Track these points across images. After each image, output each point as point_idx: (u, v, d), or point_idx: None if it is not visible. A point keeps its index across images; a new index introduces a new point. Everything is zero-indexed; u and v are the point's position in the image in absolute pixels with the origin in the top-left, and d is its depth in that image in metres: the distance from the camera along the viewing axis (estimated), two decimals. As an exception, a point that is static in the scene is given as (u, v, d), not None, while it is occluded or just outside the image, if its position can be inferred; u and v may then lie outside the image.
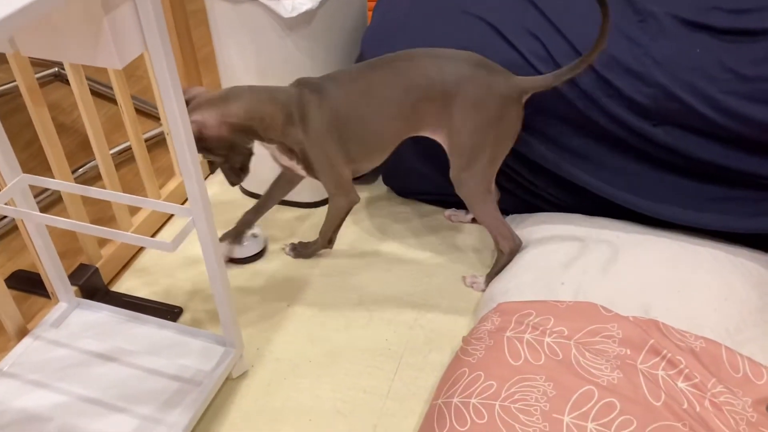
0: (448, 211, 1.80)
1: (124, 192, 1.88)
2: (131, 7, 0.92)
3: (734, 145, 1.41)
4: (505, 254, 1.53)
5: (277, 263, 1.69)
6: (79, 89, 1.43)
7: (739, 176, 1.44)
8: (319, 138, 1.41)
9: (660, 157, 1.47)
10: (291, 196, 1.70)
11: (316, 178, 1.49)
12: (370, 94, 1.40)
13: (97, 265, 1.58)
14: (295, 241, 1.71)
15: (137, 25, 0.94)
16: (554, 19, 1.46)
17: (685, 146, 1.43)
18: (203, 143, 1.37)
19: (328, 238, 1.63)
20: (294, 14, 1.49)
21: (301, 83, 1.43)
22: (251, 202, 1.85)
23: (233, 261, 1.69)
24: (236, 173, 1.47)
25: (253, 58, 1.60)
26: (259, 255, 1.71)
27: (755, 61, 1.36)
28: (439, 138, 1.45)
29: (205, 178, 1.97)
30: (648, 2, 1.45)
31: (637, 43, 1.42)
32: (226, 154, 1.41)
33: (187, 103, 1.31)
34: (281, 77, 1.62)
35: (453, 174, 1.45)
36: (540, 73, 1.44)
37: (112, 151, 2.01)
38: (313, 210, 1.85)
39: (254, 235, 1.69)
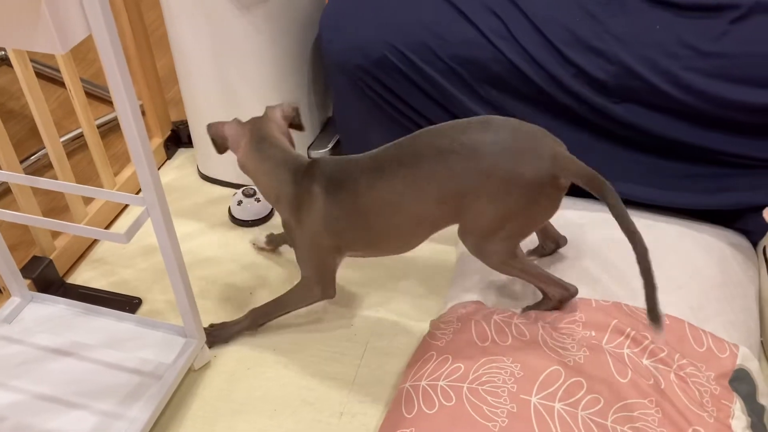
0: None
1: (78, 180, 1.83)
2: (71, -12, 0.87)
3: (695, 121, 1.41)
4: (554, 300, 1.31)
5: (239, 249, 1.65)
6: (23, 74, 1.37)
7: (701, 152, 1.45)
8: (311, 233, 1.28)
9: (622, 134, 1.47)
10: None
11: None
12: (377, 203, 1.21)
13: (51, 257, 1.53)
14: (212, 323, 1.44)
15: (79, 7, 0.90)
16: (513, -3, 1.44)
17: (646, 123, 1.43)
18: (220, 142, 1.34)
19: (264, 321, 1.41)
20: (249, -6, 1.45)
21: (316, 166, 1.27)
22: (209, 187, 1.82)
23: (238, 222, 1.71)
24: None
25: (208, 39, 1.55)
26: (267, 218, 1.72)
27: (714, 37, 1.36)
28: (458, 223, 1.25)
29: (163, 164, 1.92)
30: (608, -22, 1.43)
31: (598, 21, 1.40)
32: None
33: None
34: (237, 59, 1.58)
35: (464, 241, 1.25)
36: (501, 52, 1.42)
37: (64, 138, 1.95)
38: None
39: (258, 200, 1.70)
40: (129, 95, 0.98)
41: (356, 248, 1.32)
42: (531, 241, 1.42)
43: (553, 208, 1.21)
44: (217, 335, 1.41)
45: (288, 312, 1.42)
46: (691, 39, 1.37)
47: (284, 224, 1.37)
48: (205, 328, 1.38)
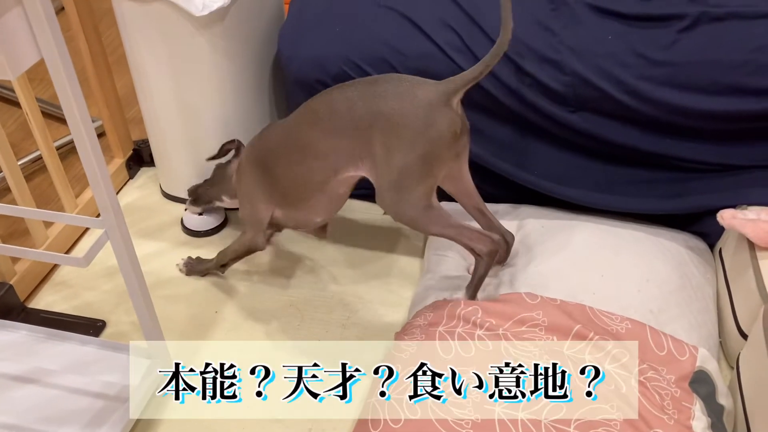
0: None
1: (39, 201, 1.81)
2: (20, 14, 0.87)
3: (648, 128, 1.44)
4: (484, 256, 1.32)
5: (203, 268, 1.65)
6: (-23, 98, 1.35)
7: (655, 158, 1.48)
8: (245, 170, 1.47)
9: (579, 143, 1.50)
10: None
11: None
12: (285, 136, 1.37)
13: (11, 282, 1.51)
14: (194, 256, 1.65)
15: (29, 32, 0.89)
16: (469, 10, 1.46)
17: (601, 131, 1.46)
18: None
19: (223, 263, 1.58)
20: (205, 12, 1.44)
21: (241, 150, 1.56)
22: (172, 206, 1.81)
23: (192, 233, 1.73)
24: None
25: (166, 58, 1.55)
26: (221, 227, 1.75)
27: (663, 46, 1.39)
28: (363, 171, 1.30)
29: (125, 184, 1.90)
30: (560, -10, 1.46)
31: (551, 32, 1.43)
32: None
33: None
34: (196, 77, 1.58)
35: (381, 199, 1.28)
36: (458, 65, 1.44)
37: (24, 160, 1.92)
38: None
39: (201, 214, 1.72)
40: (84, 119, 0.98)
41: (277, 199, 1.44)
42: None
43: (453, 131, 1.22)
44: (194, 267, 1.62)
45: (237, 257, 1.56)
46: (642, 48, 1.40)
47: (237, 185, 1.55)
48: (188, 257, 1.63)
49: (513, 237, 1.45)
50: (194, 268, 1.62)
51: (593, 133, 1.46)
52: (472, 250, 1.33)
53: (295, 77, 1.58)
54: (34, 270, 1.59)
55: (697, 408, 1.19)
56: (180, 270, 1.63)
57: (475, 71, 1.21)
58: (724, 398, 1.23)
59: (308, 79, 1.55)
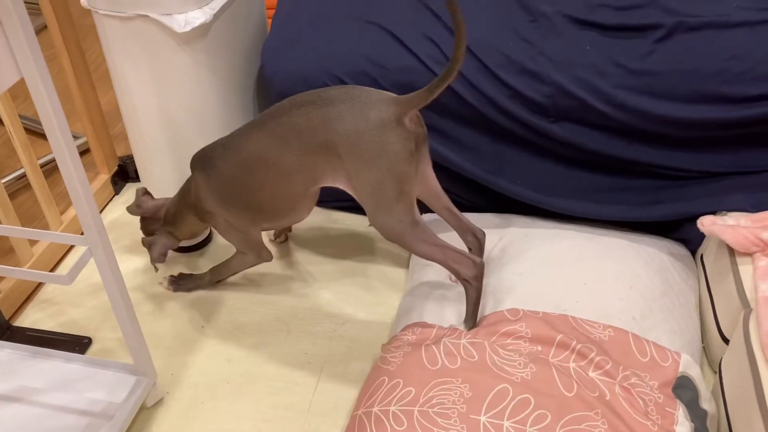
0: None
1: (24, 218, 1.81)
2: (-1, 34, 0.88)
3: (628, 136, 1.46)
4: (471, 281, 1.32)
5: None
6: (-40, 118, 1.35)
7: (636, 166, 1.50)
8: (215, 210, 1.45)
9: (560, 152, 1.51)
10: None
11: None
12: (251, 162, 1.34)
13: (-4, 301, 1.51)
14: (175, 273, 1.64)
15: (8, 51, 0.90)
16: (450, 23, 1.48)
17: (582, 140, 1.47)
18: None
19: (219, 279, 1.60)
20: (187, 29, 1.45)
21: (196, 160, 1.46)
22: (159, 223, 1.81)
23: (177, 249, 1.72)
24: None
25: (149, 75, 1.55)
26: (206, 242, 1.75)
27: (642, 56, 1.41)
28: (341, 185, 1.32)
29: (110, 200, 1.90)
30: (539, 2, 1.48)
31: (530, 43, 1.45)
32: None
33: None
34: (180, 93, 1.58)
35: (370, 220, 1.31)
36: (437, 76, 1.45)
37: (9, 177, 1.92)
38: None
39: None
40: (66, 140, 0.98)
41: (259, 218, 1.44)
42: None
43: (407, 148, 1.23)
44: (182, 284, 1.60)
45: (236, 273, 1.59)
46: (620, 58, 1.42)
47: (209, 220, 1.50)
48: (171, 277, 1.61)
49: (484, 234, 1.46)
50: (182, 285, 1.61)
51: (573, 142, 1.48)
52: (458, 274, 1.33)
53: (278, 91, 1.59)
54: (19, 288, 1.59)
55: (681, 413, 1.20)
56: (166, 288, 1.62)
57: (423, 94, 1.20)
58: (707, 403, 1.24)
59: (292, 94, 1.55)
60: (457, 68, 1.15)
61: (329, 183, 1.33)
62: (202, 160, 1.44)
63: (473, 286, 1.32)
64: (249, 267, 1.58)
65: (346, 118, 1.23)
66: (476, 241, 1.45)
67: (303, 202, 1.41)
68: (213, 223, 1.50)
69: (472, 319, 1.35)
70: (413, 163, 1.26)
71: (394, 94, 1.26)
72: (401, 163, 1.24)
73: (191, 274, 1.62)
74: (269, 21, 1.78)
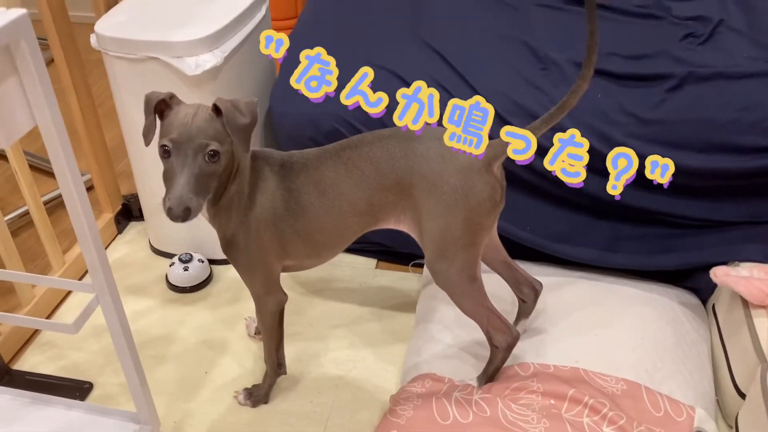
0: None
1: (26, 257, 1.78)
2: (16, 83, 0.86)
3: (639, 185, 1.45)
4: (501, 350, 1.29)
5: (191, 328, 1.62)
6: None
7: (647, 215, 1.49)
8: (258, 227, 1.23)
9: (571, 199, 1.50)
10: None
11: (236, 269, 1.30)
12: (324, 185, 1.22)
13: (-4, 344, 1.48)
14: (248, 386, 1.46)
15: (24, 101, 0.89)
16: (456, 65, 1.48)
17: (593, 189, 1.46)
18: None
19: (274, 361, 1.41)
20: (198, 72, 1.45)
21: (260, 156, 1.25)
22: (161, 261, 1.79)
23: (178, 289, 1.69)
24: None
25: (158, 116, 1.54)
26: (206, 281, 1.72)
27: (653, 105, 1.41)
28: (405, 228, 1.26)
29: (114, 239, 1.88)
30: (550, 50, 1.49)
31: (541, 91, 1.45)
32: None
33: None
34: (188, 135, 1.57)
35: (427, 263, 1.24)
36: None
37: (11, 215, 1.90)
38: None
39: (200, 261, 1.70)
40: (75, 182, 0.97)
41: (294, 252, 1.28)
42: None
43: (492, 198, 1.17)
44: (258, 396, 1.44)
45: (278, 336, 1.39)
46: (631, 107, 1.42)
47: (229, 246, 1.27)
48: (245, 391, 1.44)
49: (541, 285, 1.41)
50: (259, 397, 1.44)
51: (585, 191, 1.47)
52: (491, 340, 1.29)
53: (287, 134, 1.58)
54: (19, 331, 1.56)
55: (697, 470, 1.17)
56: (242, 404, 1.44)
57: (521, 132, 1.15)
58: (723, 460, 1.22)
59: (301, 137, 1.56)
60: (573, 103, 1.14)
61: (389, 226, 1.26)
62: (281, 161, 1.26)
63: (501, 354, 1.30)
64: (277, 318, 1.37)
65: (432, 158, 1.16)
66: (533, 294, 1.39)
67: (343, 244, 1.32)
68: (233, 255, 1.27)
69: (486, 380, 1.33)
70: (494, 215, 1.20)
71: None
72: (482, 214, 1.17)
73: (259, 383, 1.46)
74: (278, 64, 1.78)
